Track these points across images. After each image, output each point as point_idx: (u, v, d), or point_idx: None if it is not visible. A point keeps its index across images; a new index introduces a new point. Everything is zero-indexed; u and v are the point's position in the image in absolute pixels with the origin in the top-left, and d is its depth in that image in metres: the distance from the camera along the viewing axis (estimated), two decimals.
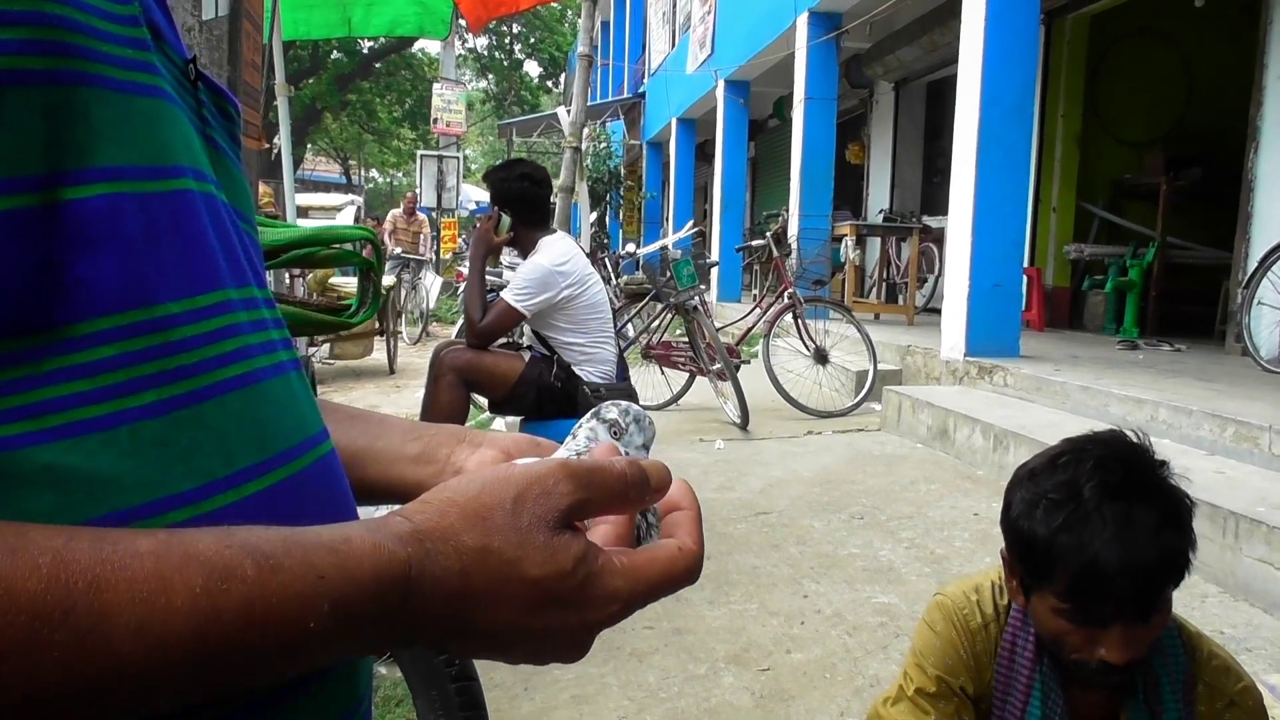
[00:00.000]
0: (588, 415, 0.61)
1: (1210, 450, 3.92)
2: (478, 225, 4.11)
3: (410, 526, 0.45)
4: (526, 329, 4.02)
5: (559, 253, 3.78)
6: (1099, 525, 1.23)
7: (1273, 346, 5.97)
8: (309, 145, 32.79)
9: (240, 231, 0.51)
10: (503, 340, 4.02)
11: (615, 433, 0.59)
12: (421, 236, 13.38)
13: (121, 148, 0.42)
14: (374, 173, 46.85)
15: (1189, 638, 1.45)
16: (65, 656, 0.34)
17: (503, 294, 3.78)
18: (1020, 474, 1.38)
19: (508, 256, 14.89)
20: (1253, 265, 6.08)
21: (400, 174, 44.93)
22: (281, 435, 0.48)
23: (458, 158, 14.25)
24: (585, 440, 0.59)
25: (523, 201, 3.83)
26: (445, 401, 3.76)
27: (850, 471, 4.72)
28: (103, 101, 0.41)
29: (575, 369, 3.78)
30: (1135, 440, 1.36)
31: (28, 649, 0.33)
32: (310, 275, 9.06)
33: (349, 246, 1.81)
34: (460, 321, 7.20)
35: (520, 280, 3.74)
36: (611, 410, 0.60)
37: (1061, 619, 1.31)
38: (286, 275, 8.56)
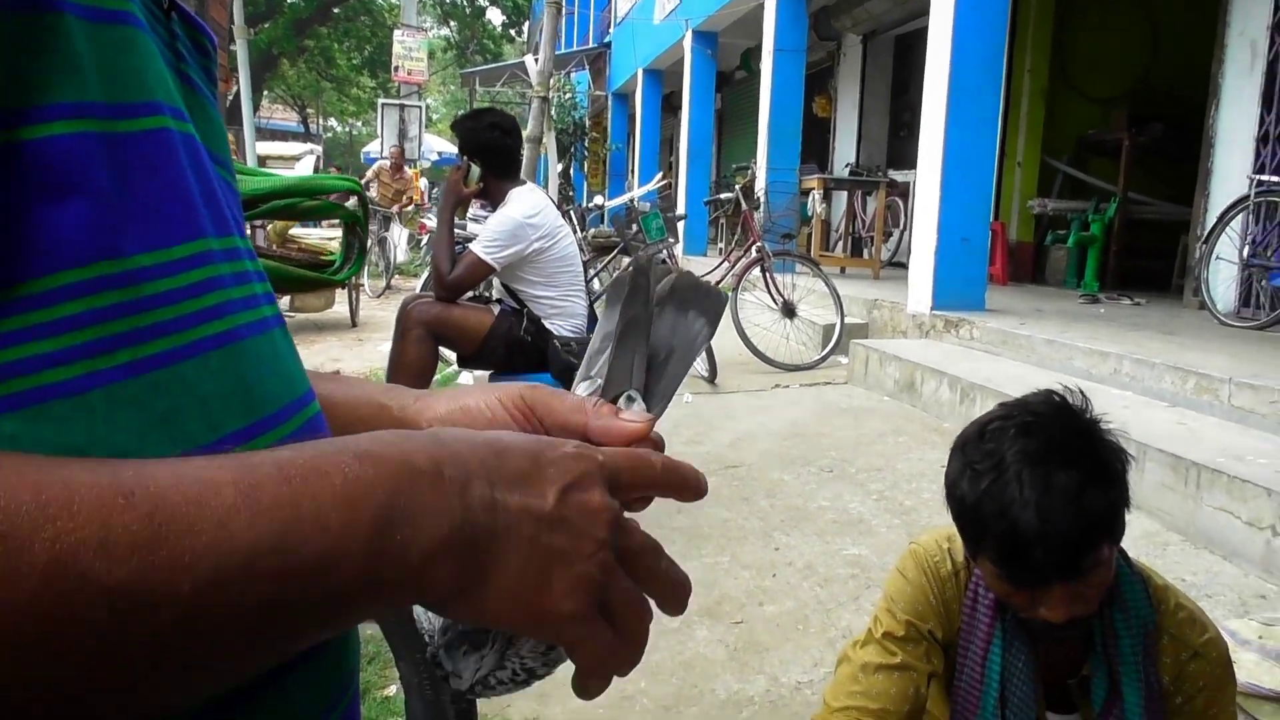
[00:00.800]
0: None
1: (1172, 402, 3.99)
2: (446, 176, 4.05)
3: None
4: (496, 282, 3.98)
5: (529, 205, 3.74)
6: (1016, 492, 1.26)
7: (1229, 300, 6.07)
8: (265, 92, 32.11)
9: (219, 177, 0.47)
10: (471, 294, 3.99)
11: None
12: (406, 194, 13.05)
13: (89, 82, 0.38)
14: (333, 121, 46.03)
15: (1155, 590, 1.47)
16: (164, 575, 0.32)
17: (472, 246, 3.73)
18: (956, 442, 1.40)
19: (473, 208, 14.71)
20: (1212, 221, 6.16)
21: (360, 123, 44.17)
22: (268, 398, 0.45)
23: (420, 107, 14.04)
24: None
25: (493, 151, 3.77)
26: (413, 356, 3.72)
27: (819, 425, 4.76)
28: (68, 29, 0.37)
29: (545, 323, 3.76)
30: (1068, 401, 1.37)
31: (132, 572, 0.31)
32: (270, 226, 8.91)
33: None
34: (425, 274, 7.13)
35: (490, 232, 3.69)
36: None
37: (1001, 582, 1.34)
38: (246, 225, 8.42)
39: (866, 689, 1.49)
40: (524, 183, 3.93)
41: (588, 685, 0.47)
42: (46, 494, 0.31)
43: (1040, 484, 1.25)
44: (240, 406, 0.43)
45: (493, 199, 3.87)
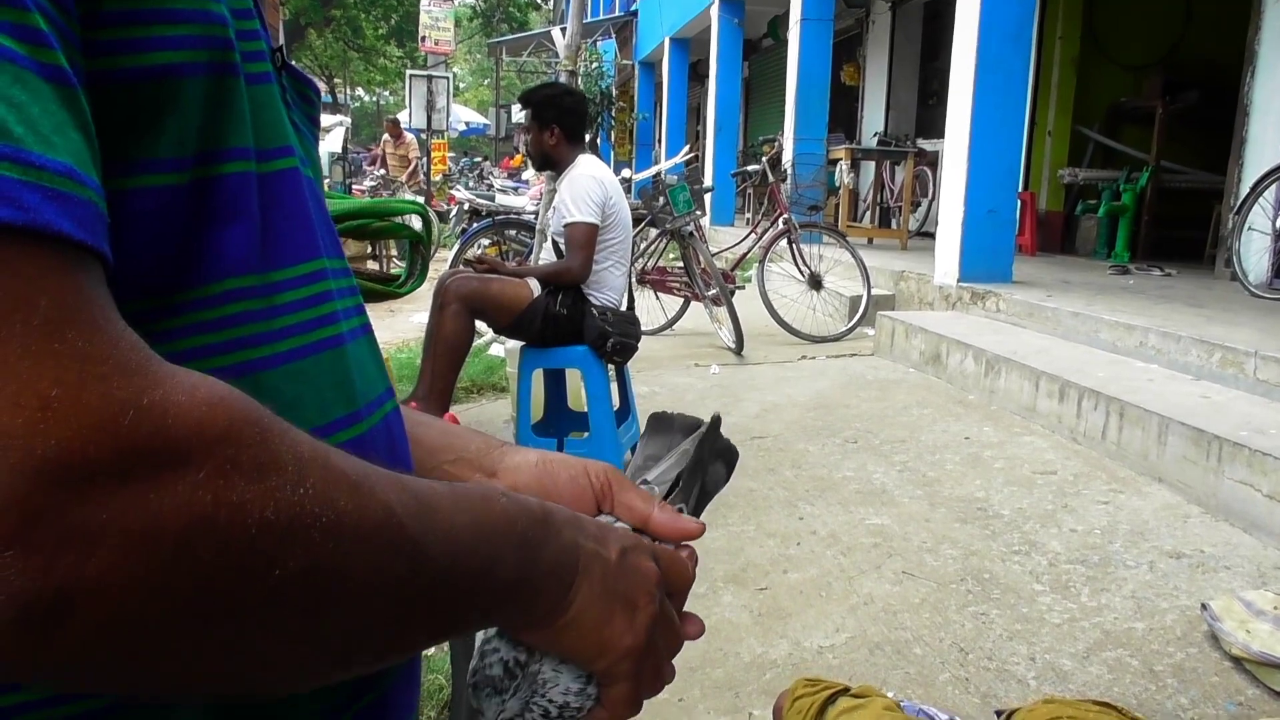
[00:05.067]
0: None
1: (1197, 375, 4.01)
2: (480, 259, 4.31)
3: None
4: (547, 247, 4.13)
5: (600, 167, 3.97)
6: None
7: (1261, 272, 6.03)
8: (293, 63, 32.11)
9: (323, 206, 0.56)
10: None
11: None
12: (411, 160, 13.37)
13: (248, 130, 0.47)
14: (360, 91, 46.03)
15: None
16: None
17: (568, 220, 3.83)
18: None
19: (498, 180, 14.67)
20: (1245, 190, 6.11)
21: (387, 93, 44.17)
22: (361, 392, 0.54)
23: (447, 78, 14.04)
24: None
25: (570, 116, 4.01)
26: (450, 330, 3.82)
27: (844, 396, 4.80)
28: (238, 89, 0.46)
29: (584, 290, 3.84)
30: None
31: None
32: None
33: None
34: (455, 247, 7.21)
35: (578, 196, 3.82)
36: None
37: None
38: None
39: None
40: (587, 151, 4.14)
41: (618, 716, 0.58)
42: (372, 470, 0.42)
43: None
44: (343, 398, 0.52)
45: (559, 164, 4.05)
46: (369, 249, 8.48)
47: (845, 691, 1.52)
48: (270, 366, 0.47)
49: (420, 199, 12.71)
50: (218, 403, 0.36)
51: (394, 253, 8.80)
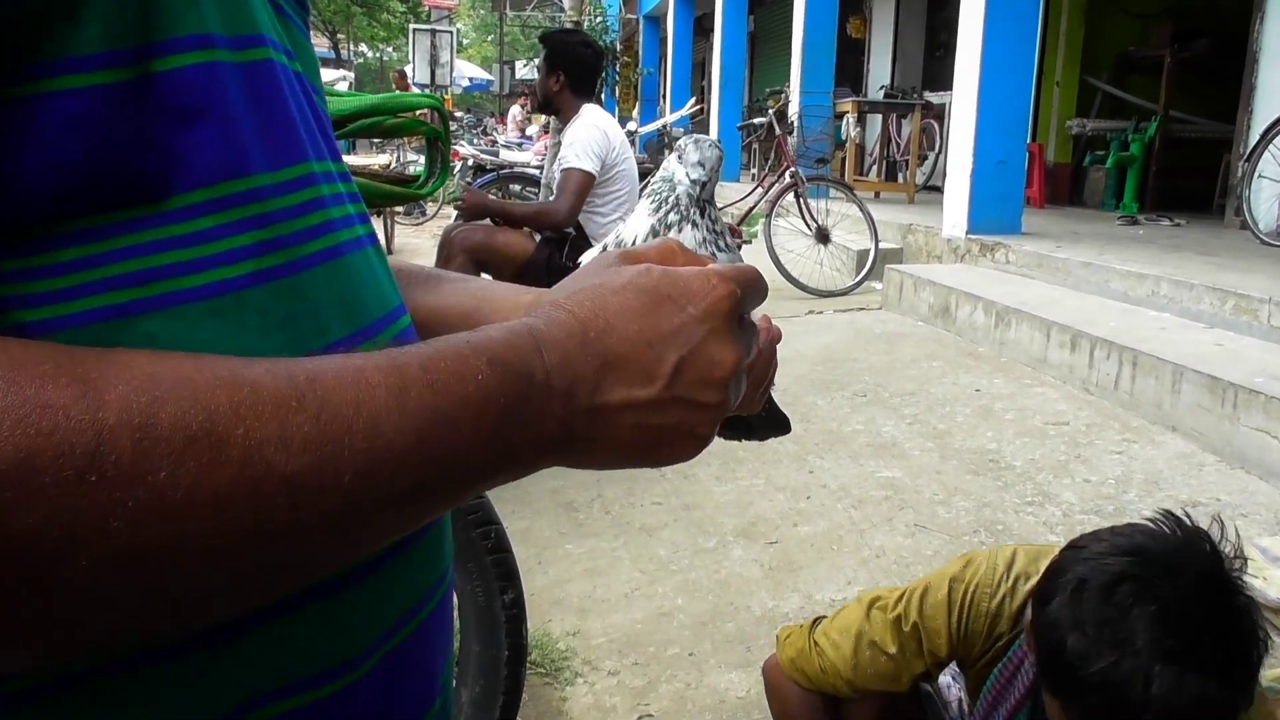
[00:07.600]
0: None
1: (1210, 323, 3.97)
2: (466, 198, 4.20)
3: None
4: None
5: (605, 119, 3.94)
6: (1139, 689, 1.12)
7: (1272, 220, 5.96)
8: None
9: (314, 104, 0.50)
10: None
11: (680, 156, 0.76)
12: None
13: (207, 16, 0.41)
14: (364, 47, 45.60)
15: None
16: (310, 436, 0.36)
17: (566, 165, 3.80)
18: (1070, 577, 1.20)
19: (504, 135, 14.59)
20: (1255, 138, 6.03)
21: (390, 49, 43.75)
22: (366, 309, 0.49)
23: (451, 32, 13.90)
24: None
25: (581, 66, 3.98)
26: None
27: (852, 350, 4.78)
28: None
29: (591, 242, 3.81)
30: (1214, 564, 1.20)
31: (279, 435, 0.35)
32: None
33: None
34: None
35: (580, 145, 3.80)
36: (680, 142, 0.77)
37: (1063, 713, 1.22)
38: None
39: (851, 655, 1.50)
40: (593, 102, 4.12)
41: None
42: (237, 396, 0.35)
43: (1169, 688, 1.11)
44: (343, 316, 0.47)
45: (564, 114, 4.03)
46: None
47: (824, 618, 1.54)
48: (255, 283, 0.42)
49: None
50: None
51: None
